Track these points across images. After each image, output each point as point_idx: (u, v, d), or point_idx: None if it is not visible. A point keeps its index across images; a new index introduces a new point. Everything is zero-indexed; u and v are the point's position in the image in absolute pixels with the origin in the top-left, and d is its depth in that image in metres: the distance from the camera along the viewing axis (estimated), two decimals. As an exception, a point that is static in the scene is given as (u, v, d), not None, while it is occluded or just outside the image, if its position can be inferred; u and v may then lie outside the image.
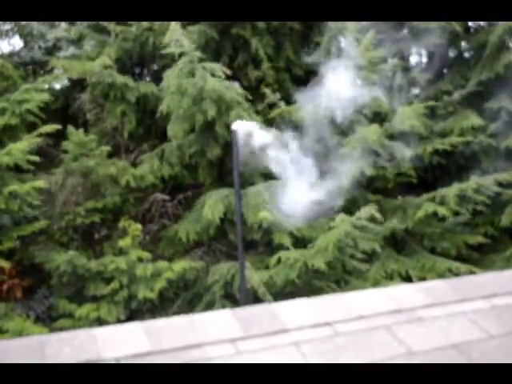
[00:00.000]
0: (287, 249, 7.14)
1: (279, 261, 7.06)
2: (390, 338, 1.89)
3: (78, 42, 9.55)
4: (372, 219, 7.12)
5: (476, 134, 8.30)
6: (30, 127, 7.92)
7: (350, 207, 7.39)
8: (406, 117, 7.83)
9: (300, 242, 7.28)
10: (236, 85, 8.20)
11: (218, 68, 7.81)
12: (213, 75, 7.69)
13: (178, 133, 7.74)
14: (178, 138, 7.79)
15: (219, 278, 7.15)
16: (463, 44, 9.78)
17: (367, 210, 7.07)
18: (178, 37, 7.94)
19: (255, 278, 6.82)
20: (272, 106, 8.60)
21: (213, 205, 7.37)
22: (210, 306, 7.10)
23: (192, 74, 7.76)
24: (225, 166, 8.11)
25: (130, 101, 8.34)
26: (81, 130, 7.92)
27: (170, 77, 7.90)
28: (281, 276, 6.97)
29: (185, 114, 7.66)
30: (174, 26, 7.99)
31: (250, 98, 8.19)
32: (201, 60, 7.90)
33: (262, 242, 7.45)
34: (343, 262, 7.08)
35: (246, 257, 7.34)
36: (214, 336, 1.83)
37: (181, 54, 7.91)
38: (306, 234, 7.34)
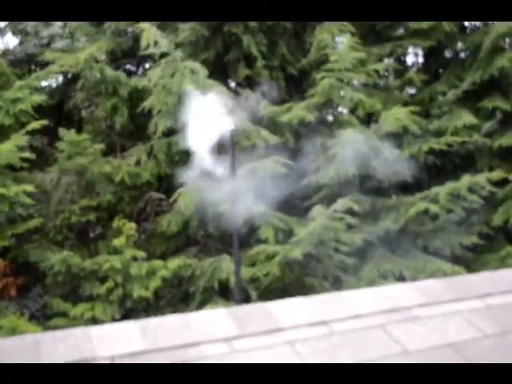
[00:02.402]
0: (265, 241, 7.17)
1: (260, 256, 7.09)
2: (385, 337, 1.89)
3: (71, 37, 9.53)
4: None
5: (470, 133, 8.32)
6: (24, 127, 7.89)
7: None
8: (391, 120, 7.83)
9: (287, 235, 7.28)
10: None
11: (199, 67, 7.84)
12: (194, 73, 7.74)
13: (161, 128, 7.77)
14: (159, 133, 7.81)
15: (202, 273, 7.17)
16: (459, 44, 9.79)
17: (343, 202, 7.06)
18: (155, 38, 7.98)
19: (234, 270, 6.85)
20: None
21: (185, 195, 7.39)
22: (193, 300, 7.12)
23: (174, 73, 7.81)
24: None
25: (122, 95, 8.33)
26: (73, 130, 7.90)
27: (154, 76, 7.96)
28: (263, 271, 7.00)
29: (169, 111, 7.70)
30: (149, 27, 8.01)
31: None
32: (182, 59, 7.93)
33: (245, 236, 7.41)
34: (329, 256, 7.08)
35: (228, 251, 7.39)
36: (209, 335, 1.83)
37: (162, 54, 7.94)
38: (293, 228, 7.34)
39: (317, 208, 7.20)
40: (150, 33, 8.01)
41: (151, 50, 8.00)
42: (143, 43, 8.07)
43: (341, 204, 7.05)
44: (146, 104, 7.90)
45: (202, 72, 7.84)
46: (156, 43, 8.01)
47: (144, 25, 8.07)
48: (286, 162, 7.56)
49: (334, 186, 7.58)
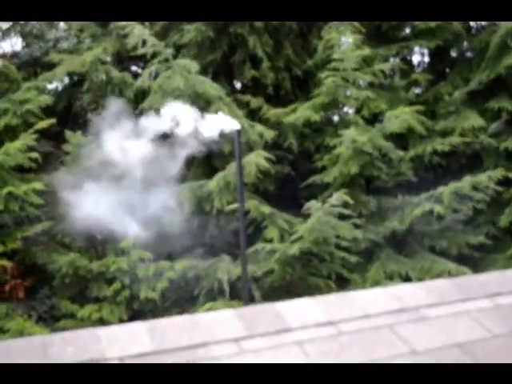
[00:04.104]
0: (270, 241, 7.19)
1: (260, 254, 7.13)
2: (393, 337, 1.89)
3: (77, 37, 9.55)
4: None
5: (477, 133, 8.29)
6: (31, 128, 7.91)
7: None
8: (395, 119, 7.81)
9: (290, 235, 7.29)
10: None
11: (192, 64, 7.84)
12: (188, 72, 7.75)
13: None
14: None
15: (206, 274, 7.18)
16: (465, 44, 9.75)
17: (339, 195, 7.05)
18: (143, 37, 7.97)
19: (236, 271, 6.86)
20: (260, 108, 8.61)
21: (182, 194, 7.42)
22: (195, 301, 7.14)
23: (167, 71, 7.82)
24: (213, 165, 8.09)
25: (128, 96, 8.33)
26: (79, 132, 7.93)
27: (147, 76, 7.98)
28: (263, 268, 7.01)
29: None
30: (136, 26, 8.01)
31: (231, 93, 8.27)
32: (174, 57, 7.95)
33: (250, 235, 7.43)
34: (330, 253, 7.06)
35: (230, 250, 7.41)
36: (217, 335, 1.83)
37: (154, 54, 7.96)
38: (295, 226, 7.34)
39: (312, 203, 7.17)
40: (136, 32, 8.00)
41: (141, 51, 8.01)
42: (130, 43, 8.06)
43: (336, 197, 7.03)
44: (145, 105, 7.91)
45: (194, 68, 7.83)
46: (144, 42, 8.00)
47: (130, 24, 8.05)
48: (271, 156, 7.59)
49: (339, 186, 7.57)
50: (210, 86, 7.85)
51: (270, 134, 7.95)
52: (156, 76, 7.98)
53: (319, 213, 6.95)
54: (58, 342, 1.75)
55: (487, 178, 7.43)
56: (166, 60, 7.95)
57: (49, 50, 9.55)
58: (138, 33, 7.99)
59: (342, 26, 8.51)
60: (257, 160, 7.41)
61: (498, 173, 7.56)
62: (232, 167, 7.21)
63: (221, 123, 6.43)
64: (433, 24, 8.66)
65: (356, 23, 8.51)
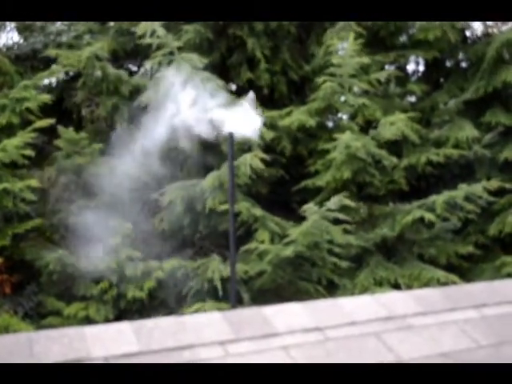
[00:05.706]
0: (262, 242, 7.18)
1: (252, 255, 7.13)
2: (379, 345, 1.89)
3: (76, 32, 9.51)
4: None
5: (471, 144, 8.31)
6: (28, 125, 7.89)
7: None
8: (390, 126, 7.83)
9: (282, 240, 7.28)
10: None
11: (197, 58, 7.81)
12: (193, 67, 7.73)
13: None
14: None
15: (195, 275, 7.18)
16: (460, 55, 9.77)
17: (337, 200, 7.05)
18: (153, 27, 7.95)
19: (225, 272, 6.85)
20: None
21: (173, 192, 7.41)
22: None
23: (170, 65, 7.80)
24: (208, 164, 8.07)
25: (123, 94, 8.29)
26: (71, 129, 7.90)
27: (149, 68, 7.96)
28: (255, 269, 7.01)
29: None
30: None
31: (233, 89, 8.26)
32: (179, 49, 7.92)
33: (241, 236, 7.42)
34: (322, 258, 7.07)
35: (222, 253, 7.41)
36: (203, 338, 1.82)
37: (159, 46, 7.92)
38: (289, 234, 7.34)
39: (309, 206, 7.17)
40: (147, 23, 7.98)
41: (148, 40, 7.98)
42: (140, 32, 8.03)
43: (334, 202, 7.03)
44: (143, 98, 7.86)
45: (200, 63, 7.80)
46: (153, 32, 7.97)
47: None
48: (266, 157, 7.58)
49: (331, 191, 7.58)
50: (215, 83, 7.82)
51: (269, 135, 7.95)
52: (158, 69, 7.93)
53: (315, 216, 6.95)
54: (44, 340, 1.74)
55: (482, 188, 7.45)
56: (171, 53, 7.92)
57: (49, 43, 9.49)
58: (149, 23, 7.95)
59: (343, 32, 8.49)
60: (252, 161, 7.39)
61: (494, 183, 7.58)
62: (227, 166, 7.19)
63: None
64: (430, 35, 8.68)
65: (357, 28, 8.50)
